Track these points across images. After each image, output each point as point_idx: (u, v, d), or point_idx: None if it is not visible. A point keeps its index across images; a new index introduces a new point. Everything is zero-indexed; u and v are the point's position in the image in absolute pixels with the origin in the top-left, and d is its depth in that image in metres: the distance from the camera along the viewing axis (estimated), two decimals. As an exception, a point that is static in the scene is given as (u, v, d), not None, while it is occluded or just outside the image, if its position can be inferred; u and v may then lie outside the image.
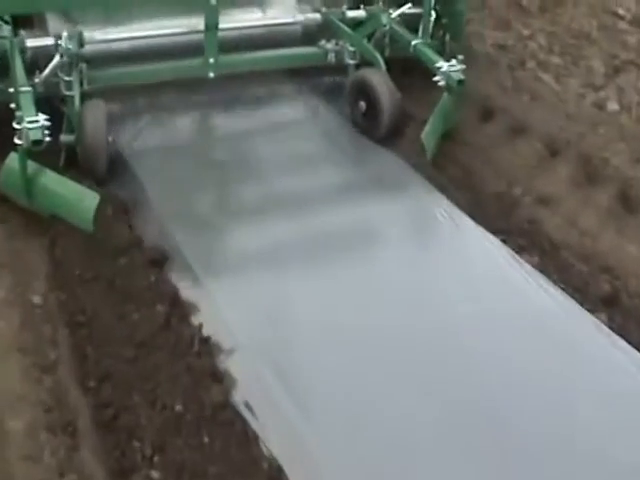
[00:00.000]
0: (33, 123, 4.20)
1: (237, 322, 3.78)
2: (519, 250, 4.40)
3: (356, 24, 5.45)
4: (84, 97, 4.79)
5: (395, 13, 5.27)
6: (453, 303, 4.00)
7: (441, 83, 4.97)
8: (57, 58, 4.64)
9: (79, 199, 4.32)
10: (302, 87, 5.61)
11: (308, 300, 3.97)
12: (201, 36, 5.08)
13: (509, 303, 4.05)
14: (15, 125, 4.18)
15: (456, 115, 5.14)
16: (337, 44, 5.37)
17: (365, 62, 5.37)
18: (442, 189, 4.78)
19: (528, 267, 4.27)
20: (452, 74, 4.91)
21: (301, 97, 5.58)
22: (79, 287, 3.94)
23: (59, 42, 4.60)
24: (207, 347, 3.62)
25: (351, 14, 5.46)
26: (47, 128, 4.19)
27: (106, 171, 4.65)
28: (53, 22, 5.02)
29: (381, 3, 5.52)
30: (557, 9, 6.82)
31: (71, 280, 3.99)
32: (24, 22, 4.91)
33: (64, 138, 4.66)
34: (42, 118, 4.23)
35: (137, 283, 3.92)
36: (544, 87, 5.70)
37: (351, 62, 5.39)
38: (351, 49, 5.35)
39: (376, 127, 5.13)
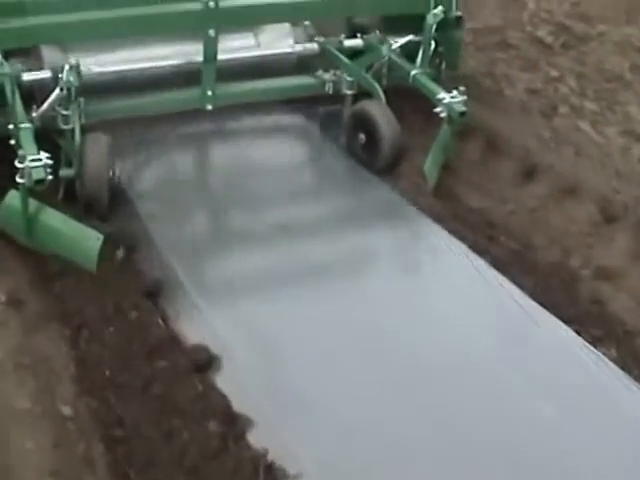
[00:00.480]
0: (35, 162, 4.11)
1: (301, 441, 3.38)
2: (592, 340, 4.00)
3: (354, 53, 5.40)
4: (82, 129, 4.69)
5: (396, 45, 5.20)
6: (529, 406, 3.62)
7: (442, 114, 4.92)
8: (57, 92, 4.53)
9: (82, 238, 4.24)
10: (297, 116, 5.54)
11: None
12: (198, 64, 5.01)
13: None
14: (17, 164, 4.09)
15: (455, 146, 5.10)
16: (335, 74, 5.29)
17: (362, 91, 5.31)
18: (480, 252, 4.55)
19: (604, 360, 3.88)
20: (454, 105, 4.88)
21: (296, 126, 5.53)
22: (111, 393, 3.52)
23: (60, 76, 4.48)
24: (272, 475, 3.21)
25: (348, 43, 5.40)
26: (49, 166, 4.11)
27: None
28: (47, 50, 4.91)
29: (378, 32, 5.43)
30: (581, 47, 6.60)
31: (101, 383, 3.57)
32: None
33: (63, 173, 4.56)
34: (44, 156, 4.15)
35: (180, 392, 3.53)
36: (583, 136, 5.40)
37: (349, 92, 5.33)
38: (349, 79, 5.27)
39: (376, 160, 5.10)
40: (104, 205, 4.57)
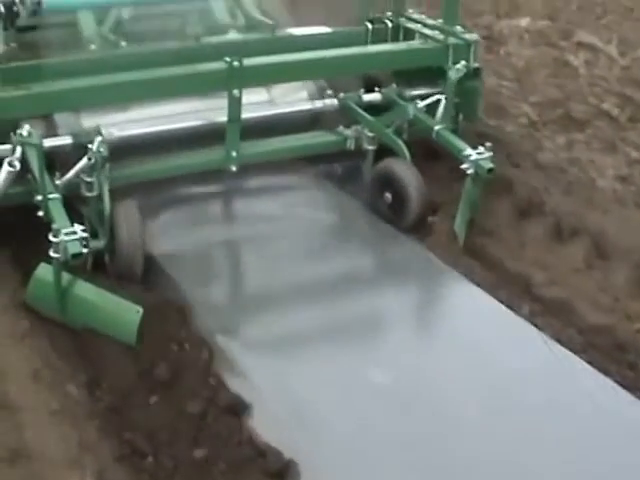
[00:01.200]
0: (70, 235, 3.99)
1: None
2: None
3: (373, 107, 5.33)
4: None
5: (422, 103, 5.14)
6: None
7: (470, 171, 4.87)
8: (85, 160, 4.41)
9: (121, 312, 4.12)
10: (311, 172, 5.45)
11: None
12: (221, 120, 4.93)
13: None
14: (51, 238, 3.98)
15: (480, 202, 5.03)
16: (356, 130, 5.22)
17: (383, 146, 5.25)
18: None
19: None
20: (481, 162, 4.83)
21: (313, 183, 5.42)
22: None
23: (90, 146, 4.37)
24: None
25: (367, 98, 5.33)
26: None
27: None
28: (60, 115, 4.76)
29: (394, 85, 5.38)
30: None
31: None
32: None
33: (93, 244, 4.40)
34: (79, 229, 4.04)
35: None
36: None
37: (370, 148, 5.25)
38: (370, 135, 5.20)
39: (403, 218, 5.04)
40: (138, 276, 4.44)
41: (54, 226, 4.02)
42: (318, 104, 5.27)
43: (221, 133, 4.93)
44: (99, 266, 4.49)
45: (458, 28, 5.40)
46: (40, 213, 4.30)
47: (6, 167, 4.33)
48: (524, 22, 7.63)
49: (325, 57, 5.10)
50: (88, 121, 4.76)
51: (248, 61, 4.77)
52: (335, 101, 5.30)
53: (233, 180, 5.12)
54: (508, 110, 6.30)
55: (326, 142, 5.25)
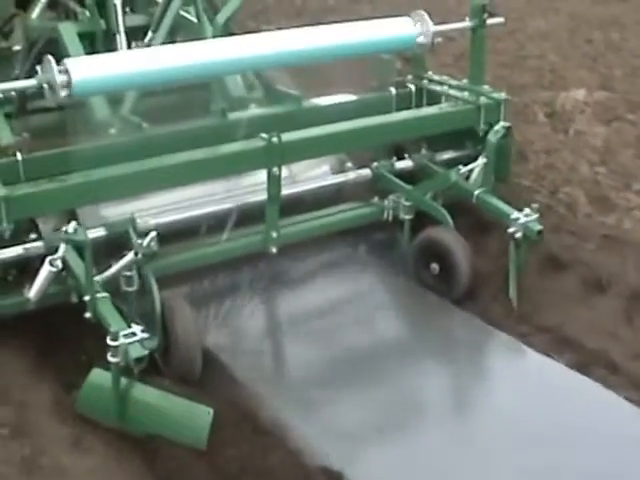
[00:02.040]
0: (130, 337, 3.72)
1: None
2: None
3: (405, 174, 5.19)
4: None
5: (465, 169, 4.95)
6: None
7: (517, 235, 4.69)
8: (131, 255, 4.14)
9: (190, 415, 3.82)
10: (344, 244, 5.23)
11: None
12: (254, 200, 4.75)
13: None
14: (109, 342, 3.70)
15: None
16: (394, 200, 5.02)
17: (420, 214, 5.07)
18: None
19: None
20: (530, 225, 4.66)
21: (351, 255, 5.23)
22: None
23: (139, 242, 4.11)
24: None
25: (399, 165, 5.14)
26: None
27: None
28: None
29: (424, 149, 5.20)
30: None
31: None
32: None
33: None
34: (138, 329, 3.76)
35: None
36: None
37: (407, 217, 5.05)
38: (407, 204, 5.00)
39: (452, 289, 4.84)
40: (197, 375, 4.16)
41: (112, 329, 3.75)
42: (352, 175, 5.07)
43: (254, 212, 4.73)
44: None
45: (485, 87, 5.24)
46: (87, 314, 4.00)
47: (47, 267, 4.04)
48: (580, 94, 7.06)
49: (364, 127, 4.89)
50: (108, 210, 4.53)
51: (287, 136, 4.54)
52: (368, 171, 5.09)
53: (267, 260, 4.87)
54: (615, 202, 5.62)
55: (364, 214, 5.07)
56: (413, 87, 5.46)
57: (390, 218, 5.07)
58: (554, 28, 9.40)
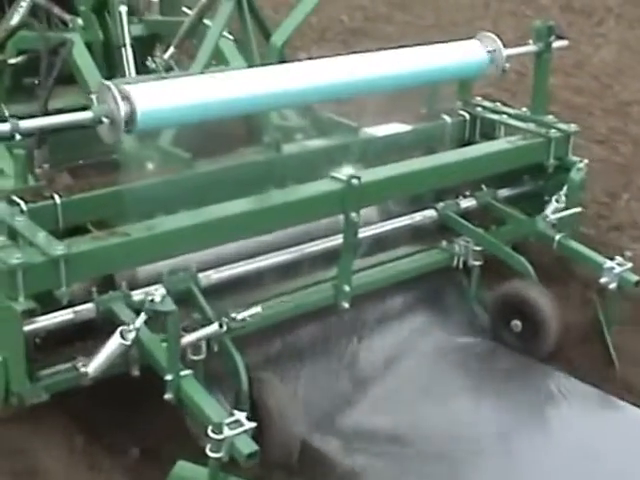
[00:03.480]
0: (235, 427, 3.05)
1: None
2: None
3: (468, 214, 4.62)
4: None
5: (554, 216, 4.40)
6: None
7: (611, 285, 4.19)
8: (215, 327, 3.46)
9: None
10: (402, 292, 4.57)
11: None
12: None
13: None
14: (210, 434, 3.02)
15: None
16: (465, 246, 4.45)
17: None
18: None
19: None
20: (625, 275, 4.18)
21: (411, 307, 4.58)
22: None
23: (233, 315, 3.47)
24: None
25: (464, 205, 4.57)
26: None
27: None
28: None
29: (484, 186, 4.65)
30: None
31: None
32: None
33: None
34: (242, 416, 3.10)
35: None
36: None
37: (476, 264, 4.48)
38: (477, 249, 4.43)
39: (539, 347, 4.32)
40: (294, 461, 3.50)
41: (213, 418, 3.11)
42: (417, 217, 4.46)
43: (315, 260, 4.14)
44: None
45: (551, 118, 4.73)
46: (167, 395, 3.30)
47: (117, 340, 3.32)
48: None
49: (446, 163, 4.35)
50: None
51: (366, 176, 3.92)
52: (433, 212, 4.50)
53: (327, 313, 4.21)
54: None
55: (434, 261, 4.48)
56: (467, 115, 4.86)
57: (460, 265, 4.46)
58: (618, 59, 8.52)
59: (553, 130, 4.62)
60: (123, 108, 3.34)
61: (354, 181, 3.87)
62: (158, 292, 3.25)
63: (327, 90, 3.91)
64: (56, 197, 3.74)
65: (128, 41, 4.83)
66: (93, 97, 3.42)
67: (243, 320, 3.45)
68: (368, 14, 8.57)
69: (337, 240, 4.05)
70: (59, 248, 3.25)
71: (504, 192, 4.73)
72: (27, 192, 3.72)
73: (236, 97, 3.65)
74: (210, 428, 3.05)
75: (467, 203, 4.61)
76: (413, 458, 3.74)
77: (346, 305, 4.08)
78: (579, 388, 4.16)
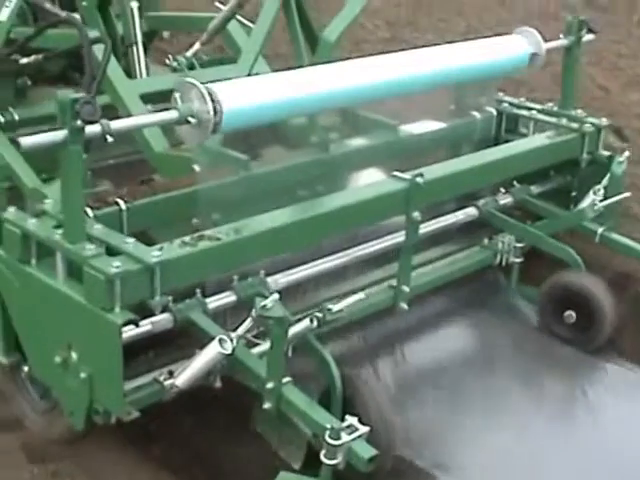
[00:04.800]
0: (350, 431, 2.99)
1: None
2: None
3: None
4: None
5: (601, 204, 4.41)
6: None
7: (658, 278, 4.24)
8: (306, 323, 3.39)
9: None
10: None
11: None
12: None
13: None
14: (328, 440, 2.96)
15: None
16: (508, 243, 4.44)
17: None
18: None
19: None
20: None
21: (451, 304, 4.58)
22: None
23: (328, 307, 3.38)
24: None
25: (503, 201, 4.56)
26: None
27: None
28: None
29: (516, 183, 4.65)
30: None
31: None
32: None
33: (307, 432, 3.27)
34: (354, 420, 3.05)
35: None
36: None
37: (517, 260, 4.48)
38: (518, 245, 4.43)
39: (592, 338, 4.33)
40: (388, 467, 3.43)
41: (327, 424, 3.02)
42: (461, 216, 4.43)
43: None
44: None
45: (580, 112, 4.75)
46: (266, 405, 3.21)
47: (216, 348, 3.20)
48: None
49: (502, 158, 4.36)
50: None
51: (429, 174, 3.88)
52: (475, 210, 4.48)
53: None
54: None
55: (481, 259, 4.48)
56: (494, 111, 4.86)
57: (504, 262, 4.45)
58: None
59: (587, 125, 4.63)
60: (211, 108, 3.22)
61: (418, 179, 3.83)
62: (271, 299, 3.14)
63: (397, 85, 3.87)
64: (121, 203, 3.59)
65: (140, 38, 4.65)
66: (177, 96, 3.27)
67: (339, 312, 3.36)
68: (390, 20, 8.40)
69: (393, 240, 4.01)
70: (155, 255, 3.13)
71: (536, 188, 4.71)
72: (90, 198, 3.57)
73: (315, 94, 3.59)
74: (327, 434, 2.97)
75: (505, 200, 4.59)
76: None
77: (405, 306, 4.03)
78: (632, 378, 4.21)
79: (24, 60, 4.50)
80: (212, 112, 3.24)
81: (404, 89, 3.93)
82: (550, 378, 4.21)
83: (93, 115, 3.02)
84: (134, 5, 4.61)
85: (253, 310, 3.17)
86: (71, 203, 3.18)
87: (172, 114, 3.26)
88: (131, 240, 3.22)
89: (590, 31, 4.67)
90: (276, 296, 3.18)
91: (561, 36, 4.67)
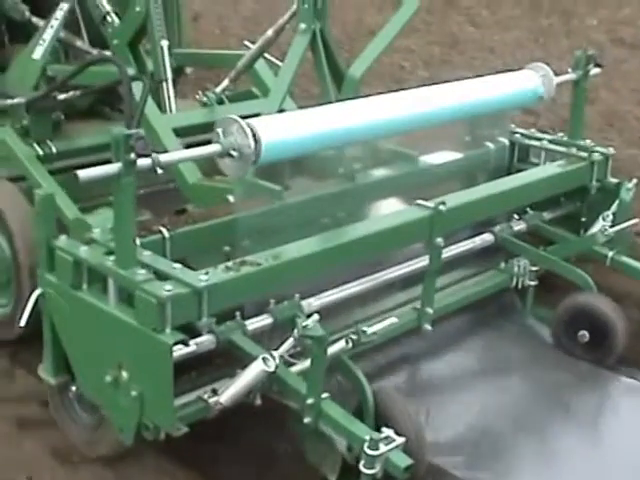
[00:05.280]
0: (388, 442, 3.22)
1: None
2: None
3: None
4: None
5: (612, 230, 4.66)
6: None
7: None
8: (342, 344, 3.60)
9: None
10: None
11: None
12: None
13: None
14: (367, 451, 3.19)
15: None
16: (523, 266, 4.67)
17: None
18: None
19: None
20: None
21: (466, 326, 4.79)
22: None
23: (362, 329, 3.59)
24: None
25: (517, 228, 4.80)
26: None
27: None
28: None
29: (529, 210, 4.90)
30: None
31: None
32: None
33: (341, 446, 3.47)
34: (390, 432, 3.28)
35: None
36: None
37: (532, 283, 4.72)
38: (533, 269, 4.66)
39: (607, 356, 4.55)
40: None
41: (370, 437, 3.23)
42: (478, 241, 4.67)
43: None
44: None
45: (589, 142, 5.00)
46: (306, 419, 3.43)
47: (260, 367, 3.41)
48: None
49: (517, 186, 4.64)
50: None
51: (451, 202, 4.13)
52: (491, 236, 4.71)
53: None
54: None
55: (497, 282, 4.70)
56: (507, 142, 5.11)
57: (519, 285, 4.68)
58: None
59: (595, 154, 4.88)
60: (252, 142, 3.46)
61: (441, 207, 4.06)
62: (312, 319, 3.37)
63: (418, 119, 4.13)
64: (164, 231, 3.81)
65: (170, 75, 4.87)
66: (219, 131, 3.51)
67: (373, 334, 3.58)
68: (425, 59, 8.62)
69: (417, 265, 4.24)
70: (203, 279, 3.34)
71: (548, 214, 4.96)
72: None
73: (345, 128, 3.83)
74: (366, 445, 3.19)
75: (518, 226, 4.83)
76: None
77: (429, 327, 4.25)
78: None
79: (62, 96, 4.74)
80: (253, 145, 3.47)
81: (424, 122, 4.19)
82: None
83: (145, 149, 3.24)
84: (164, 43, 4.81)
85: (295, 330, 3.38)
86: (123, 231, 3.39)
87: (215, 147, 3.50)
88: (178, 265, 3.44)
89: (597, 65, 4.91)
90: (316, 317, 3.40)
91: (569, 70, 4.91)
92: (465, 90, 4.43)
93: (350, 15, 8.75)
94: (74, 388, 3.84)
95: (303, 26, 4.57)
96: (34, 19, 5.30)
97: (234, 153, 3.49)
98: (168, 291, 3.25)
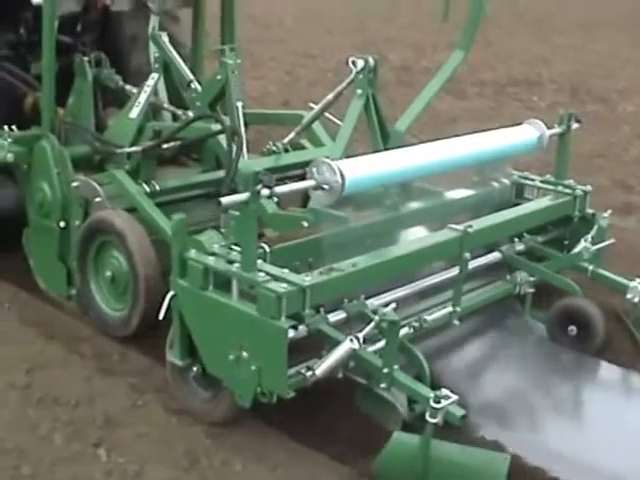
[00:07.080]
0: (447, 399, 4.36)
1: None
2: None
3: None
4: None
5: (593, 248, 5.95)
6: None
7: (635, 300, 5.77)
8: (405, 331, 4.85)
9: (487, 464, 4.46)
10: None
11: None
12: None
13: None
14: (432, 404, 4.32)
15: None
16: (524, 277, 5.92)
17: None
18: None
19: None
20: (649, 292, 5.75)
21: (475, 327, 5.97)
22: None
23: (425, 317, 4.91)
24: None
25: (517, 247, 6.07)
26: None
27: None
28: None
29: (526, 234, 6.18)
30: None
31: None
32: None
33: (403, 408, 4.66)
34: (448, 392, 4.42)
35: None
36: None
37: (530, 291, 5.97)
38: (531, 279, 5.93)
39: (589, 345, 5.82)
40: None
41: (431, 394, 4.38)
42: (490, 258, 5.92)
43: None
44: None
45: (572, 182, 6.31)
46: (382, 385, 4.61)
47: (348, 344, 4.56)
48: None
49: (523, 214, 5.97)
50: None
51: (475, 225, 5.41)
52: (499, 254, 5.98)
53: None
54: None
55: (505, 289, 5.92)
56: (508, 182, 6.41)
57: (522, 293, 5.94)
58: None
59: (577, 190, 6.20)
60: (339, 178, 4.69)
61: (469, 229, 5.34)
62: (388, 308, 4.61)
63: (450, 164, 5.51)
64: (265, 246, 4.92)
65: (243, 131, 5.88)
66: (313, 169, 4.72)
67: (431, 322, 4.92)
68: None
69: (449, 274, 5.51)
70: (307, 280, 4.54)
71: (540, 238, 6.24)
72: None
73: (401, 169, 5.12)
74: (432, 400, 4.34)
75: (519, 246, 6.10)
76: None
77: (457, 322, 5.49)
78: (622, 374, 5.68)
79: (165, 146, 5.96)
80: (340, 181, 4.69)
81: (448, 166, 5.51)
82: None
83: (271, 182, 4.44)
84: (239, 104, 5.98)
85: (376, 316, 4.61)
86: (248, 244, 4.58)
87: (311, 182, 4.72)
88: (286, 270, 4.63)
89: (577, 121, 6.24)
90: (393, 305, 4.63)
91: (556, 125, 6.23)
92: (478, 142, 5.74)
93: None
94: (195, 368, 4.98)
95: (359, 91, 5.80)
96: (127, 87, 6.53)
97: (325, 186, 4.71)
98: (284, 288, 4.43)
